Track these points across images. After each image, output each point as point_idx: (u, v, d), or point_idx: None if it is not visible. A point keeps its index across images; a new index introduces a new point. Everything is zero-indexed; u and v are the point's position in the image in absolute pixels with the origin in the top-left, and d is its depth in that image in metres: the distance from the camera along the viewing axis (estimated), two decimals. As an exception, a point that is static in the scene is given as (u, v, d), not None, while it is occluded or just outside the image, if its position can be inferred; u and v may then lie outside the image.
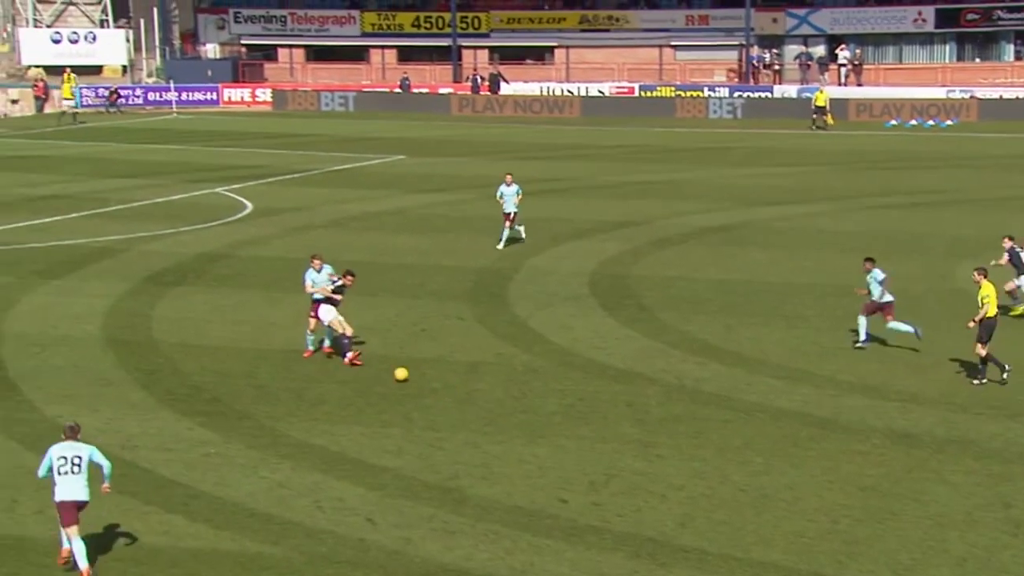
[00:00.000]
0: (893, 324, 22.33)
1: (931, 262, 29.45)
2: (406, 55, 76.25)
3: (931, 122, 60.38)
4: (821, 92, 60.23)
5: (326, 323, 21.86)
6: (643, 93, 68.73)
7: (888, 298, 22.34)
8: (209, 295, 26.80)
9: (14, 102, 70.15)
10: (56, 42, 74.74)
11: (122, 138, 56.98)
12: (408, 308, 25.57)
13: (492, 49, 75.20)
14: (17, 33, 75.91)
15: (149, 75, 77.12)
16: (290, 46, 77.57)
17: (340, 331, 21.74)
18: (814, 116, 59.06)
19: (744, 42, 70.07)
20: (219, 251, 31.25)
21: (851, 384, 20.44)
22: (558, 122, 63.82)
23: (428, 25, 75.59)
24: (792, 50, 71.56)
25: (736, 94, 67.02)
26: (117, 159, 49.65)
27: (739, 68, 71.40)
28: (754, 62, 70.55)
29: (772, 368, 21.43)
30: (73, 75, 66.93)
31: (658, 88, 69.08)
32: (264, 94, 72.75)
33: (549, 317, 24.78)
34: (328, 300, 21.85)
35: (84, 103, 69.48)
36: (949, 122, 60.23)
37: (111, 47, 75.78)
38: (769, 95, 66.90)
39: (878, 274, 22.32)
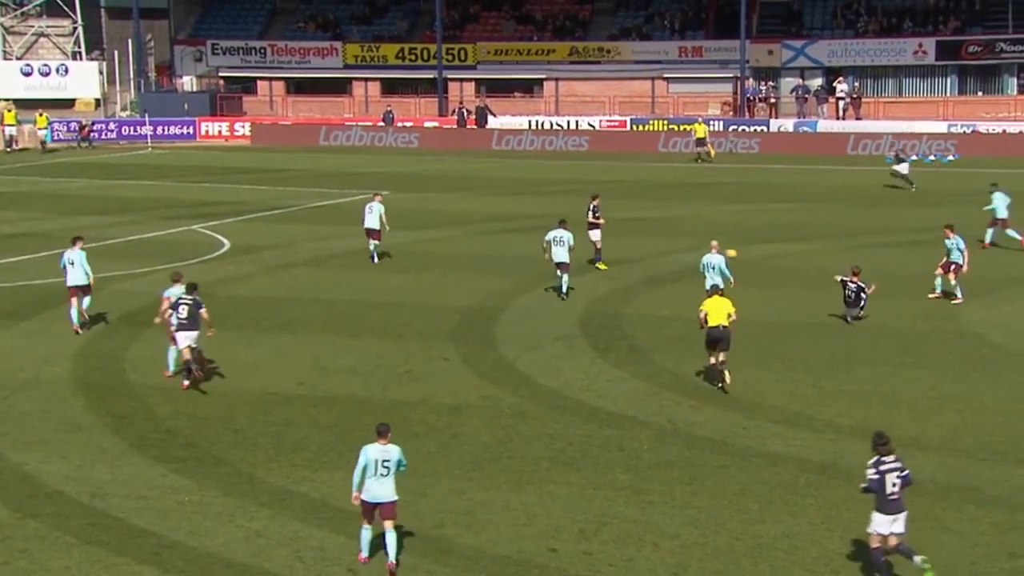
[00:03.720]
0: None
1: (933, 302, 29.53)
2: (390, 87, 76.58)
3: (932, 157, 60.67)
4: (700, 124, 62.00)
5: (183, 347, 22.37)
6: (635, 127, 69.07)
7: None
8: (184, 336, 26.71)
9: (-20, 137, 70.11)
10: (27, 75, 74.93)
11: (95, 174, 57.01)
12: (391, 349, 25.58)
13: (479, 81, 75.59)
14: (-14, 65, 76.10)
15: (123, 108, 77.28)
16: (270, 78, 77.85)
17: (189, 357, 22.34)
18: (697, 150, 60.26)
19: (739, 74, 70.54)
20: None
21: (852, 428, 20.46)
22: (547, 156, 64.00)
23: (413, 57, 75.96)
24: (789, 83, 72.04)
25: (731, 128, 67.35)
26: (89, 195, 49.67)
27: (734, 101, 71.84)
28: (749, 95, 71.00)
29: (769, 411, 21.45)
30: (13, 109, 67.46)
31: (650, 122, 69.43)
32: (243, 128, 72.92)
33: (537, 358, 24.80)
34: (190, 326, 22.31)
35: (55, 138, 69.59)
36: (951, 157, 60.54)
37: (84, 80, 75.98)
38: (765, 129, 67.28)
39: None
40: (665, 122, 68.92)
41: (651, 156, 62.45)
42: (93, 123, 70.75)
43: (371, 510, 15.27)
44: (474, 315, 28.59)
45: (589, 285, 31.37)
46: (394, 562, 15.18)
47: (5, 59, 76.43)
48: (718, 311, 22.88)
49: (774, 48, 71.85)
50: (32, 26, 77.72)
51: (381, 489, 15.18)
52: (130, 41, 76.50)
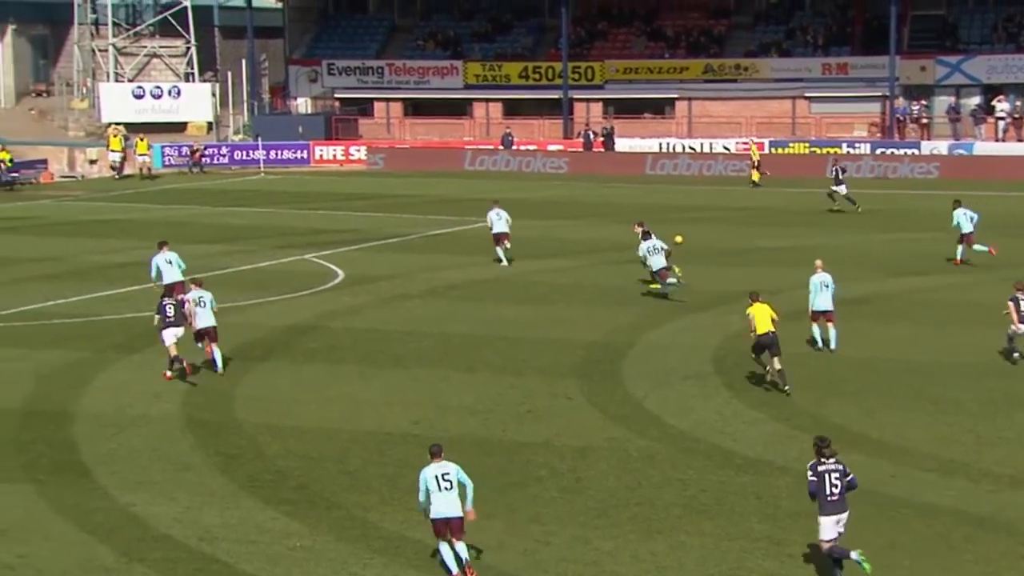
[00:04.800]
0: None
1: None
2: (512, 109, 77.01)
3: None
4: (754, 146, 63.33)
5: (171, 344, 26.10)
6: (774, 149, 68.48)
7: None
8: (297, 371, 27.17)
9: (92, 162, 72.01)
10: (138, 97, 76.77)
11: (206, 200, 58.28)
12: (511, 386, 25.66)
13: (607, 102, 75.64)
14: (97, 88, 78.14)
15: (236, 132, 78.85)
16: (387, 100, 78.82)
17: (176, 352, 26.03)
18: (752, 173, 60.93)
19: (888, 93, 69.54)
20: (308, 323, 31.71)
21: (1012, 478, 20.00)
22: (677, 181, 63.77)
23: (537, 76, 76.31)
24: (942, 102, 70.77)
25: (879, 151, 66.43)
26: (200, 223, 50.77)
27: (882, 122, 70.83)
28: (899, 115, 69.91)
29: (920, 458, 21.06)
30: (119, 134, 69.17)
31: (791, 144, 68.81)
32: (358, 152, 73.92)
33: (667, 397, 24.67)
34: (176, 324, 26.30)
35: (167, 163, 71.32)
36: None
37: (196, 102, 77.62)
38: (916, 152, 66.20)
39: None
40: (806, 144, 68.27)
41: (817, 181, 61.45)
42: (205, 147, 72.35)
43: (444, 528, 16.37)
44: (600, 350, 28.56)
45: (722, 319, 31.11)
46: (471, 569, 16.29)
47: (117, 81, 78.43)
48: (764, 317, 24.68)
49: (927, 64, 70.65)
50: (144, 47, 79.76)
51: (448, 505, 16.27)
52: (244, 62, 78.08)
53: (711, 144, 70.09)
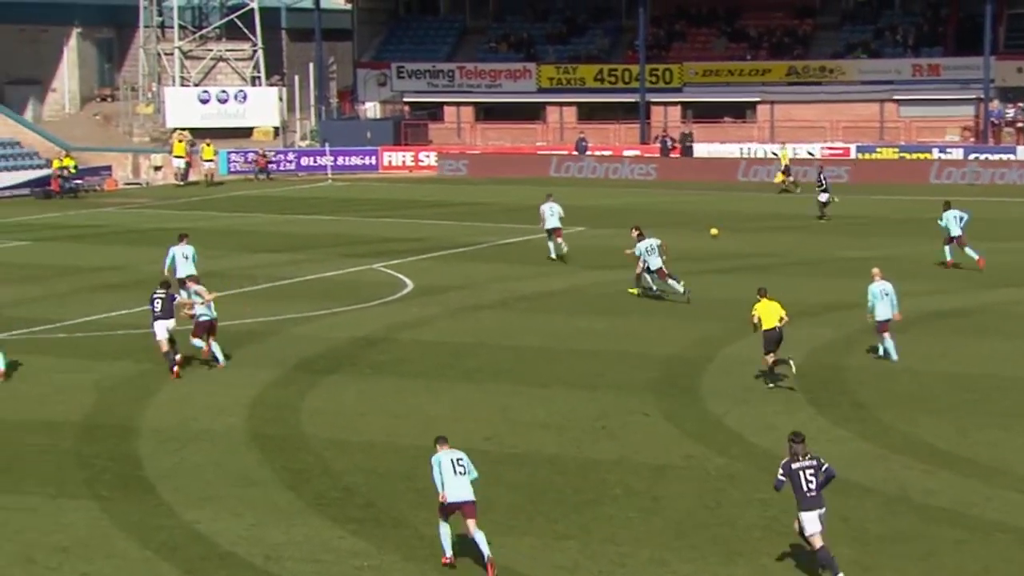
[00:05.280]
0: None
1: None
2: (587, 113, 76.96)
3: None
4: (784, 152, 63.65)
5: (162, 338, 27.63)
6: (861, 155, 67.92)
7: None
8: (365, 384, 27.31)
9: (157, 169, 72.84)
10: (204, 102, 77.52)
11: (272, 208, 58.76)
12: (585, 401, 25.63)
13: (685, 105, 75.41)
14: (162, 92, 79.01)
15: (303, 138, 79.44)
16: (458, 104, 79.05)
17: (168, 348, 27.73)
18: (786, 179, 61.24)
19: (983, 96, 68.74)
20: (376, 335, 31.86)
21: (1112, 501, 19.68)
22: (769, 188, 63.42)
23: (613, 79, 76.25)
24: (1040, 104, 69.93)
25: (972, 156, 65.68)
26: (266, 231, 51.20)
27: (976, 126, 70.06)
28: (994, 119, 69.10)
29: (1017, 480, 20.79)
30: (185, 140, 69.97)
31: (878, 149, 68.21)
32: (428, 158, 74.18)
33: (748, 414, 24.54)
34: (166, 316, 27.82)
35: (233, 169, 71.99)
36: None
37: (263, 107, 78.22)
38: (1012, 157, 65.39)
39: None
40: (895, 149, 67.66)
41: (907, 188, 61.02)
42: (276, 153, 72.97)
43: (454, 511, 17.19)
44: (677, 365, 28.46)
45: (806, 333, 30.88)
46: (491, 555, 16.90)
47: (182, 85, 79.26)
48: (771, 313, 25.89)
49: (1024, 66, 69.88)
50: (210, 50, 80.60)
51: (463, 489, 17.13)
52: (311, 65, 78.65)
53: (794, 149, 69.62)
